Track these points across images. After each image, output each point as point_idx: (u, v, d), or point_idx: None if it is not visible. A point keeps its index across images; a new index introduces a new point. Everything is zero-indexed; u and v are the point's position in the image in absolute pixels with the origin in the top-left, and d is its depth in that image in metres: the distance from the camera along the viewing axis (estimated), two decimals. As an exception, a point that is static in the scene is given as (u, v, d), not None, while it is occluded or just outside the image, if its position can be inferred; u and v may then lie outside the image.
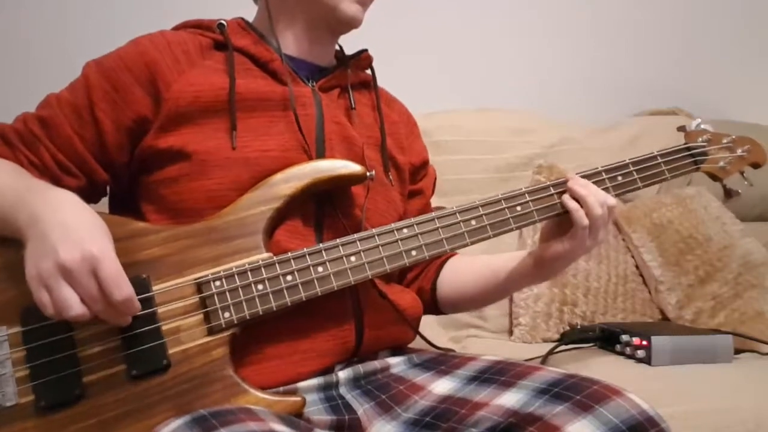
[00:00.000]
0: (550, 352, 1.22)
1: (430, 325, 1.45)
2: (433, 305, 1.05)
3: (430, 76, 1.85)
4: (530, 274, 0.96)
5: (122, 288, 0.69)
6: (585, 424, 0.66)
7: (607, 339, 1.28)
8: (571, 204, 0.88)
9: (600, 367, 1.16)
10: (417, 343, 0.97)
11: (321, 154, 0.88)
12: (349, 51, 1.02)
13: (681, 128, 1.05)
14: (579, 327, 1.36)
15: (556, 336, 1.44)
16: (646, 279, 1.60)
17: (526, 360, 0.86)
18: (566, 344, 1.30)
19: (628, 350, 1.22)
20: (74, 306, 0.67)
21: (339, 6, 0.91)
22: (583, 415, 0.67)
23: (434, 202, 1.13)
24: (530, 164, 1.67)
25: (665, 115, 1.97)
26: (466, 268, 1.03)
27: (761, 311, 1.44)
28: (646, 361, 1.17)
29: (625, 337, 1.22)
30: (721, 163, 1.01)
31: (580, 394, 0.69)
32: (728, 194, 1.03)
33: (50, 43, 1.56)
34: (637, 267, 1.62)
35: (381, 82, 1.07)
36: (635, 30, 2.09)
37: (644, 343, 1.18)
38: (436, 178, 1.13)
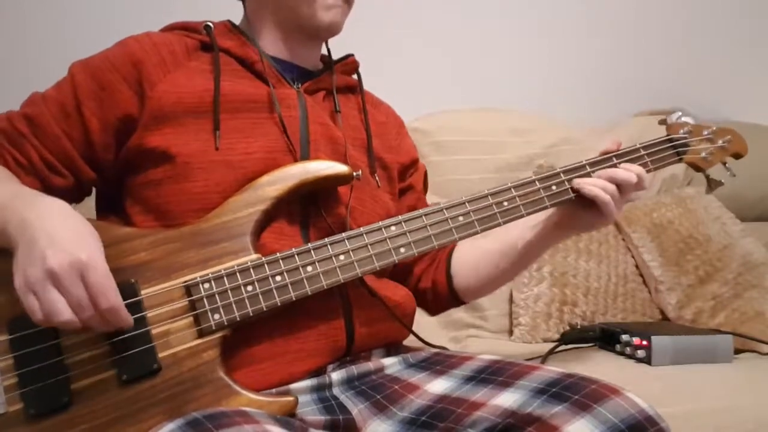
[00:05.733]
0: (550, 352, 1.22)
1: (430, 325, 1.46)
2: (453, 296, 1.04)
3: (430, 76, 1.85)
4: (550, 238, 0.99)
5: (108, 296, 0.68)
6: (584, 424, 0.66)
7: (607, 339, 1.28)
8: (592, 190, 0.91)
9: (600, 367, 1.16)
10: (410, 341, 0.96)
11: (306, 156, 0.88)
12: (347, 51, 1.02)
13: (662, 121, 1.06)
14: (579, 327, 1.36)
15: (556, 336, 1.44)
16: (646, 279, 1.60)
17: (526, 360, 0.86)
18: (566, 344, 1.30)
19: (628, 350, 1.22)
20: (62, 311, 0.66)
21: (316, 15, 0.91)
22: (581, 415, 0.67)
23: (434, 201, 1.13)
24: (530, 164, 1.67)
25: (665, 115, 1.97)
26: (480, 250, 1.03)
27: (761, 311, 1.44)
28: (646, 361, 1.17)
29: (625, 337, 1.22)
30: (703, 154, 1.02)
31: (579, 394, 0.69)
32: (711, 185, 1.04)
33: (48, 42, 1.56)
34: (637, 267, 1.62)
35: (382, 83, 1.08)
36: (635, 30, 2.09)
37: (644, 343, 1.18)
38: (426, 173, 1.12)
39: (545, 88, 1.98)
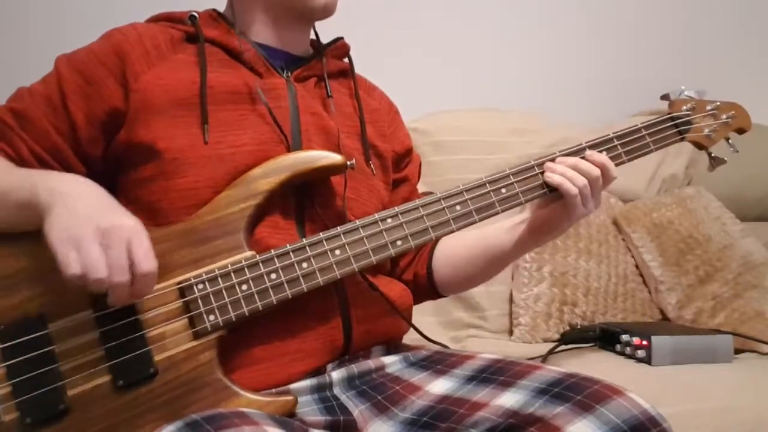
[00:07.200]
0: (550, 352, 1.22)
1: (429, 324, 1.46)
2: (432, 289, 1.03)
3: (431, 76, 1.85)
4: (526, 243, 0.96)
5: (152, 260, 0.70)
6: (586, 424, 0.66)
7: (607, 339, 1.28)
8: (556, 178, 0.88)
9: (600, 367, 1.16)
10: (411, 339, 0.96)
11: (298, 146, 0.86)
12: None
13: (665, 96, 1.03)
14: (579, 327, 1.36)
15: (556, 336, 1.44)
16: (646, 279, 1.60)
17: (527, 359, 0.86)
18: (566, 344, 1.30)
19: (628, 350, 1.21)
20: (101, 268, 0.67)
21: None
22: (583, 415, 0.66)
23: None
24: (530, 164, 1.67)
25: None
26: (460, 246, 1.01)
27: (761, 311, 1.44)
28: (647, 361, 1.17)
29: (625, 337, 1.22)
30: (706, 131, 1.00)
31: (581, 394, 0.69)
32: (713, 162, 1.01)
33: (48, 42, 1.56)
34: (637, 267, 1.62)
35: (382, 83, 1.07)
36: (635, 30, 2.09)
37: (644, 343, 1.18)
38: (420, 164, 1.11)
39: (545, 88, 1.98)
